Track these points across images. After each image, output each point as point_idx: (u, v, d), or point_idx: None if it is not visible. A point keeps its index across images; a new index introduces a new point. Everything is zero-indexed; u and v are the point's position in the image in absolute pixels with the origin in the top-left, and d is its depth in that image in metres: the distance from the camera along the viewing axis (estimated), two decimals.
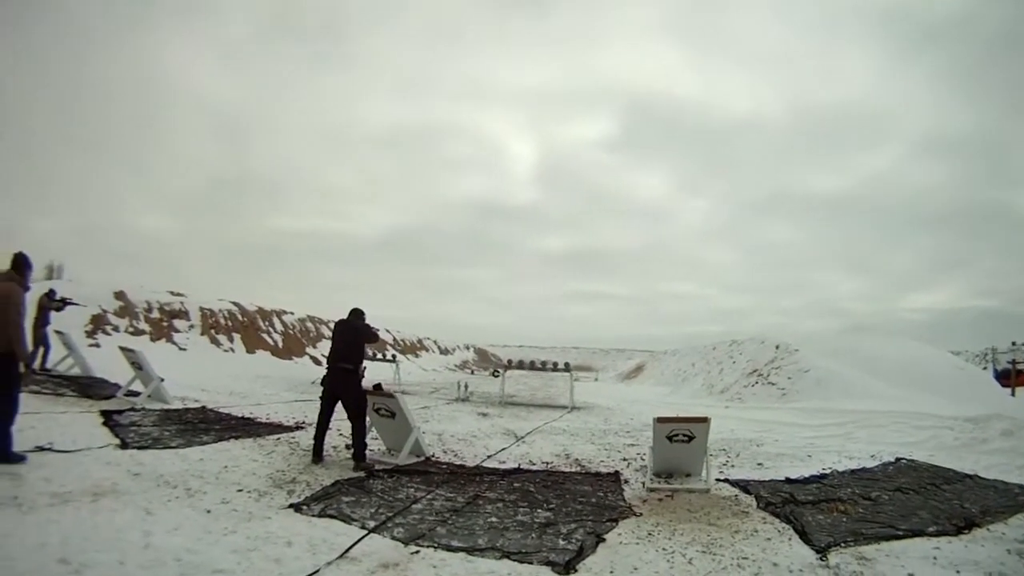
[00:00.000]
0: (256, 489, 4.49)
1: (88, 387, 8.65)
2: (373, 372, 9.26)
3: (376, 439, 6.54)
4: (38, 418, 6.05)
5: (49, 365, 10.03)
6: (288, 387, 12.80)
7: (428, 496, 4.66)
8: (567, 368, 14.21)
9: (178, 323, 18.36)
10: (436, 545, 3.55)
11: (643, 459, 6.59)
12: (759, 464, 6.64)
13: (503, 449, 7.17)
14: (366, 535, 3.65)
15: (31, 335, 8.59)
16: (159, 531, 3.38)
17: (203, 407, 8.35)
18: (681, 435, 5.50)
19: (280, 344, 21.14)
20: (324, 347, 20.63)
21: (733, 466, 6.51)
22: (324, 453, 5.79)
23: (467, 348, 43.39)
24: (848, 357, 16.15)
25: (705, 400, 16.72)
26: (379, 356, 18.98)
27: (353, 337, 5.98)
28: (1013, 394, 21.83)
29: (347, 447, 6.12)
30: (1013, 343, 31.27)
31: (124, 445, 5.47)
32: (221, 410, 8.26)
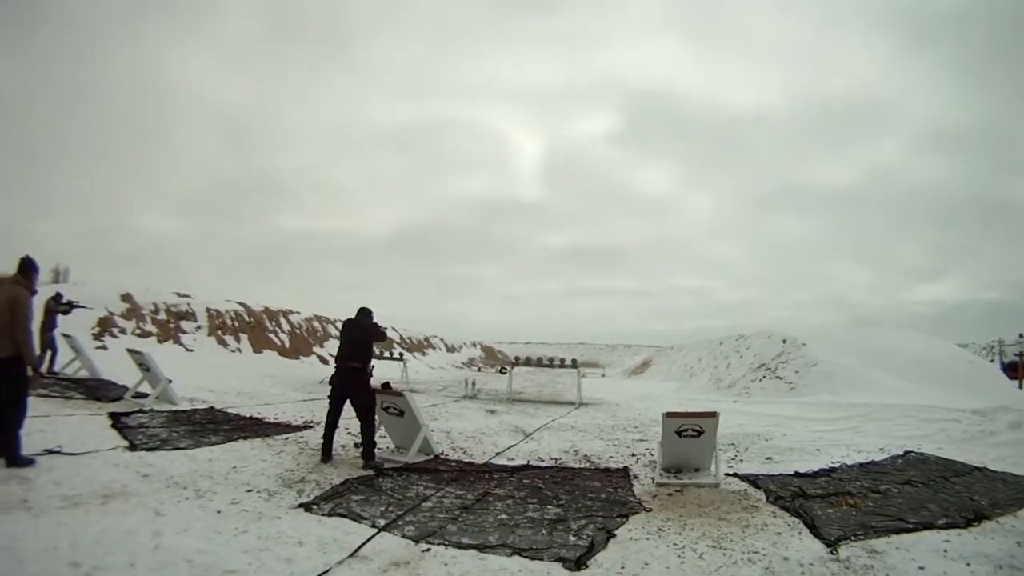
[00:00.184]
0: (266, 489, 4.50)
1: (96, 389, 8.67)
2: (381, 370, 9.26)
3: (385, 437, 6.54)
4: (47, 421, 6.07)
5: (57, 368, 10.08)
6: (296, 387, 12.82)
7: (438, 494, 4.66)
8: (574, 364, 14.21)
9: (185, 324, 18.47)
10: (447, 543, 3.55)
11: (652, 454, 6.58)
12: (768, 458, 6.62)
13: (512, 446, 7.17)
14: (376, 533, 3.65)
15: (38, 339, 8.63)
16: (169, 532, 3.38)
17: (211, 408, 8.37)
18: (690, 430, 5.49)
19: (287, 344, 21.23)
20: (331, 346, 20.70)
21: (742, 460, 6.49)
22: (333, 452, 5.79)
23: (474, 345, 43.36)
24: (856, 351, 16.07)
25: (713, 395, 16.66)
26: (387, 355, 19.00)
27: (361, 336, 5.98)
28: (1020, 386, 21.73)
29: (356, 446, 6.13)
30: (1020, 335, 31.11)
31: (133, 447, 5.48)
32: (229, 410, 8.28)
